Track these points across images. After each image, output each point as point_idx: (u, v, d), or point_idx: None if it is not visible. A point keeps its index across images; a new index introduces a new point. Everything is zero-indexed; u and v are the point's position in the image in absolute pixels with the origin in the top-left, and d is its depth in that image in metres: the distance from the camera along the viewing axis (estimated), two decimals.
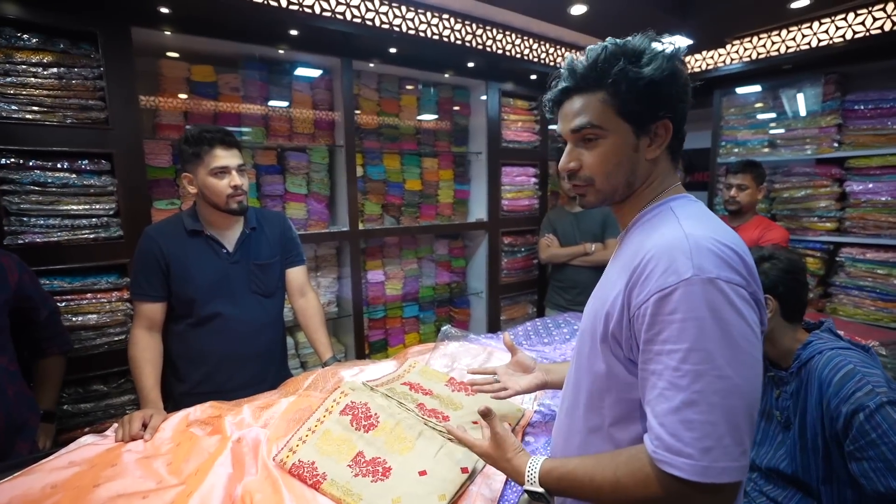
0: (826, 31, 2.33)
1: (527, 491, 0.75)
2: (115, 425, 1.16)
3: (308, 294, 1.67)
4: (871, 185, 2.46)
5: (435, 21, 2.23)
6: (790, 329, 1.21)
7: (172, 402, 1.40)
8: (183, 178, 1.42)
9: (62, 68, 1.63)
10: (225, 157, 1.38)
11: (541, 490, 0.73)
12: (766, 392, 1.28)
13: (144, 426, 1.14)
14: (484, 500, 0.96)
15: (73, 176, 1.67)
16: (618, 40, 0.72)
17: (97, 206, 1.72)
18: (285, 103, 2.34)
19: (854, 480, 1.03)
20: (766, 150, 2.85)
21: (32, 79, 1.58)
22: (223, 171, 1.38)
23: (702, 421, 0.56)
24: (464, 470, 0.99)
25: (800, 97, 2.70)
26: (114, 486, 0.95)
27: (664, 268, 0.61)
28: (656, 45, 0.71)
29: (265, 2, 1.79)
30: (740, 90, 2.92)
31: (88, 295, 1.73)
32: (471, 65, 2.56)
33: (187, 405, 1.24)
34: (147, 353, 1.38)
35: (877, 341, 1.82)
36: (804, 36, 2.40)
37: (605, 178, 0.74)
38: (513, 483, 1.01)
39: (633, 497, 0.63)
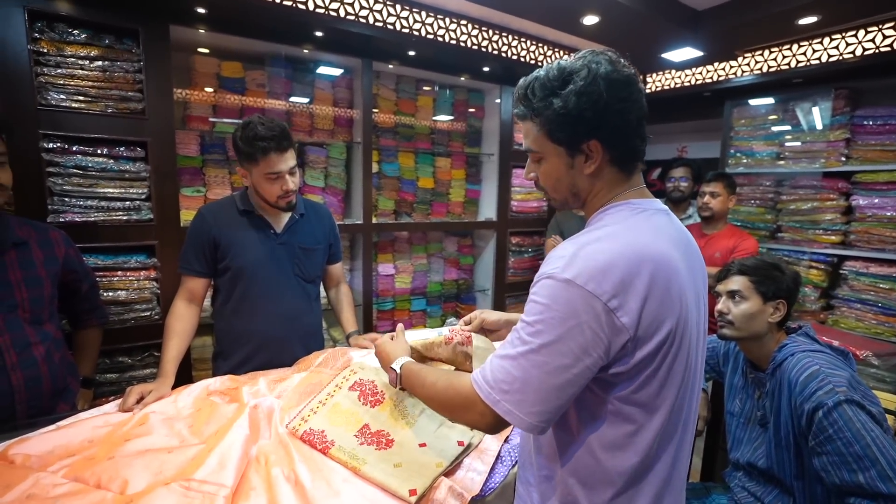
0: (836, 47, 2.36)
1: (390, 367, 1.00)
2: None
3: (342, 285, 1.83)
4: (876, 200, 2.48)
5: (453, 26, 2.32)
6: (778, 334, 1.28)
7: None
8: (238, 170, 1.50)
9: (106, 62, 1.75)
10: (279, 163, 1.40)
11: (397, 370, 0.97)
12: (750, 393, 1.34)
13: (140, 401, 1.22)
14: (476, 471, 1.05)
15: (111, 161, 1.79)
16: (547, 68, 0.78)
17: (131, 191, 1.84)
18: (307, 100, 2.45)
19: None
20: (775, 161, 2.88)
21: (79, 70, 1.71)
22: (277, 176, 1.42)
23: (508, 371, 0.72)
24: (460, 443, 1.08)
25: (810, 111, 2.73)
26: (142, 442, 1.05)
27: (546, 263, 0.75)
28: (577, 74, 0.74)
29: (293, 4, 1.89)
30: (751, 102, 2.95)
31: (119, 273, 1.85)
32: (486, 69, 2.64)
33: None
34: (179, 323, 1.45)
35: (870, 351, 1.87)
36: (814, 51, 2.44)
37: (552, 189, 0.86)
38: (503, 459, 1.11)
39: (454, 400, 0.80)
